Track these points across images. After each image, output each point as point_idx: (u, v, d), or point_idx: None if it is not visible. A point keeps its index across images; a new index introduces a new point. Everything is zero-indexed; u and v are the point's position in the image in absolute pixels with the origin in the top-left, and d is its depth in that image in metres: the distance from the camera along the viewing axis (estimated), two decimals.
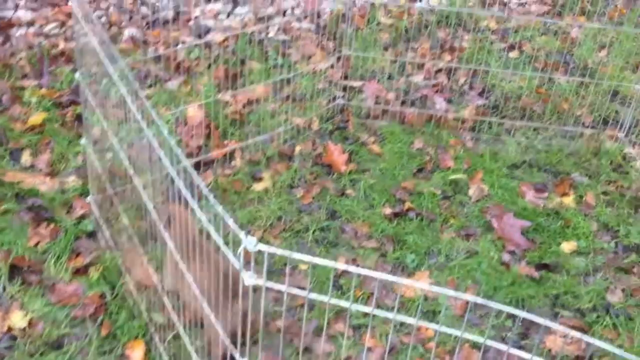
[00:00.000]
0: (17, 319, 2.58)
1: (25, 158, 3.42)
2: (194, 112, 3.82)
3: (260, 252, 1.57)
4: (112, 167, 3.37)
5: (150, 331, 2.55)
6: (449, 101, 4.31)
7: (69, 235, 2.97)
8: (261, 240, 3.11)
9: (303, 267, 3.02)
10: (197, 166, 3.49)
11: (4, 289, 2.70)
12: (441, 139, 4.00)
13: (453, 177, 3.66)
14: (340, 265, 1.59)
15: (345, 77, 4.43)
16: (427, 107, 4.20)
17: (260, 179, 3.52)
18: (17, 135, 3.55)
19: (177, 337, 2.53)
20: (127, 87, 2.44)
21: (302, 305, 2.83)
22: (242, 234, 1.57)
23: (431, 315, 2.86)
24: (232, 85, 4.21)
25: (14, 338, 2.52)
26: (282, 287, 1.60)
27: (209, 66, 4.39)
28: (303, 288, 1.69)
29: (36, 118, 3.68)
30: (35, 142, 3.52)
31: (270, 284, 1.61)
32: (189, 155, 3.55)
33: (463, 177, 3.66)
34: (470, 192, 3.58)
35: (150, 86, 4.11)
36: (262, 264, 1.58)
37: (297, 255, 1.56)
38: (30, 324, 2.58)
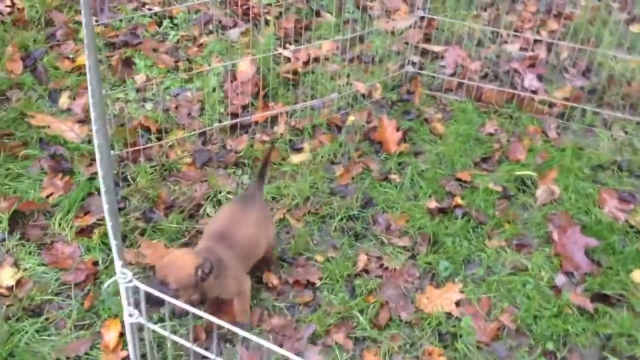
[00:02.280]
0: (7, 276, 2.49)
1: (64, 100, 3.31)
2: (246, 66, 3.54)
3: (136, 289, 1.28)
4: (147, 121, 3.19)
5: None
6: (542, 79, 3.73)
7: (82, 190, 2.83)
8: (282, 221, 2.83)
9: (319, 258, 2.71)
10: (235, 128, 3.23)
11: (3, 240, 2.61)
12: (519, 124, 3.47)
13: (521, 172, 3.16)
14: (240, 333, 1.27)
15: (427, 40, 3.95)
16: (513, 83, 3.66)
17: (299, 150, 3.21)
18: (60, 75, 3.44)
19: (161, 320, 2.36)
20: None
21: (306, 304, 2.55)
22: (118, 265, 1.28)
23: (450, 338, 2.48)
24: (297, 39, 3.87)
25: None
26: (165, 333, 1.31)
27: (280, 14, 4.05)
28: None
29: (84, 58, 3.54)
30: (77, 84, 3.38)
31: (154, 327, 1.31)
32: (231, 115, 3.30)
33: (532, 175, 3.15)
34: (538, 193, 3.08)
35: (210, 33, 3.86)
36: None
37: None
38: (18, 283, 2.48)
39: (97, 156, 1.51)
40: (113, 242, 1.33)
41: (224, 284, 2.26)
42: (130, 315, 1.30)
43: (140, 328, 1.34)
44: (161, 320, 2.35)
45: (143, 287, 1.26)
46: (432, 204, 2.96)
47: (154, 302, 2.09)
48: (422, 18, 3.81)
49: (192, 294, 2.17)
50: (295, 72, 3.60)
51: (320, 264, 2.69)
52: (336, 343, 2.40)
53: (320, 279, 2.63)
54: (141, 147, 3.04)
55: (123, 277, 1.27)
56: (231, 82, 3.48)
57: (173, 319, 2.37)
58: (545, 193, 3.06)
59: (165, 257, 2.16)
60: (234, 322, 2.36)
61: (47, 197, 2.80)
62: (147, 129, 3.17)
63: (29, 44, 3.54)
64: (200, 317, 1.30)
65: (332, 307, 2.52)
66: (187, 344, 1.30)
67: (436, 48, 3.88)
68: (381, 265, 2.70)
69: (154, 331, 1.33)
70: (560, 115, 3.53)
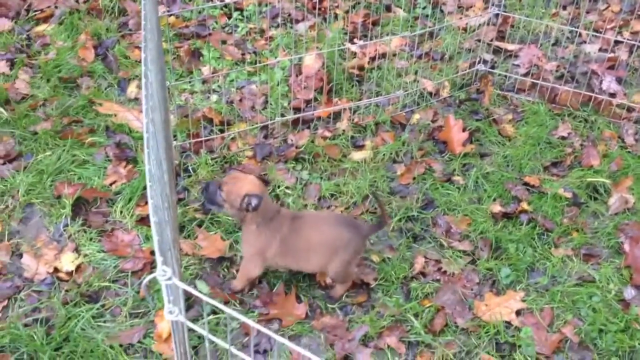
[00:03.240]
0: (67, 261, 2.54)
1: (132, 89, 3.36)
2: (312, 61, 3.50)
3: (175, 287, 1.25)
4: (210, 112, 3.20)
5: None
6: (621, 82, 3.54)
7: (144, 179, 2.86)
8: None
9: (375, 259, 2.65)
10: (298, 123, 3.20)
11: (66, 226, 2.67)
12: (595, 128, 3.30)
13: (593, 179, 2.99)
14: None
15: (501, 38, 3.81)
16: (590, 85, 3.48)
17: (361, 147, 3.15)
18: (130, 64, 3.50)
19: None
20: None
21: (360, 304, 2.49)
22: (159, 262, 1.25)
23: (508, 348, 2.37)
24: (365, 34, 3.81)
25: (56, 281, 2.48)
26: (203, 332, 1.27)
27: (351, 9, 4.00)
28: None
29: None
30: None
31: (192, 325, 1.28)
32: (295, 109, 3.27)
33: (606, 182, 2.98)
34: (610, 201, 2.92)
35: (278, 26, 3.85)
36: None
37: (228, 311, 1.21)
38: (78, 268, 2.53)
39: (145, 150, 1.50)
40: (155, 239, 1.32)
41: (248, 233, 2.35)
42: (170, 313, 1.27)
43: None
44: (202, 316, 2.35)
45: (182, 286, 1.24)
46: (496, 208, 2.84)
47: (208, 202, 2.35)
48: (497, 15, 3.68)
49: (233, 214, 2.36)
50: (361, 68, 3.54)
51: (376, 264, 2.63)
52: (388, 346, 2.34)
53: (375, 279, 2.57)
54: (203, 138, 3.05)
55: (163, 274, 1.24)
56: (296, 76, 3.45)
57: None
58: (619, 202, 2.90)
59: (238, 173, 2.47)
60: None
61: (111, 184, 2.85)
62: (210, 121, 3.19)
63: (101, 33, 3.62)
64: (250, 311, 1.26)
65: (385, 309, 2.46)
66: (225, 345, 1.27)
67: (510, 46, 3.74)
68: (439, 269, 2.62)
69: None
70: (639, 121, 3.33)
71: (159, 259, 1.28)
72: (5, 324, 2.31)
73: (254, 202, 2.26)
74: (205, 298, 1.25)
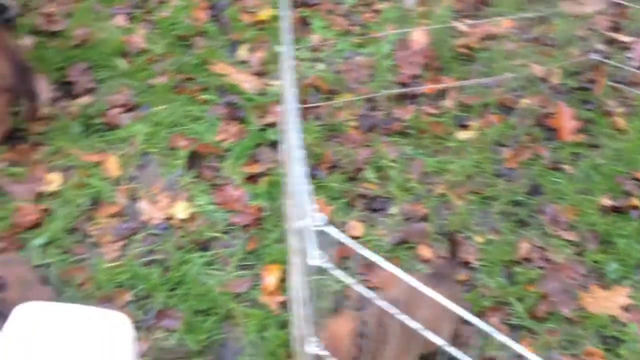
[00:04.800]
0: (180, 209, 2.64)
1: (242, 52, 3.42)
2: (419, 36, 3.49)
3: (323, 233, 1.29)
4: (317, 81, 3.24)
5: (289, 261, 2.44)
6: None
7: (253, 139, 2.93)
8: (442, 196, 2.78)
9: (479, 239, 2.64)
10: (403, 97, 3.20)
11: (179, 176, 2.77)
12: None
13: None
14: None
15: (616, 29, 3.69)
16: None
17: (466, 127, 3.13)
18: (241, 27, 3.56)
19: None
20: None
21: (461, 282, 2.49)
22: (310, 208, 1.29)
23: (614, 342, 2.33)
24: (475, 14, 3.76)
25: (170, 227, 2.58)
26: (350, 280, 1.31)
27: None
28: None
29: (265, 13, 3.65)
30: (255, 38, 3.49)
31: (337, 273, 1.32)
32: (400, 84, 3.27)
33: None
34: None
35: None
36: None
37: (365, 253, 1.25)
38: (190, 217, 2.62)
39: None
40: (304, 188, 1.36)
41: None
42: (316, 259, 1.31)
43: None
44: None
45: (334, 233, 1.28)
46: (606, 201, 2.78)
47: None
48: (614, 4, 3.57)
49: None
50: (469, 48, 3.50)
51: (479, 244, 2.62)
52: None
53: (478, 260, 2.56)
54: (310, 105, 3.09)
55: (315, 221, 1.29)
56: (403, 51, 3.44)
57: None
58: None
59: None
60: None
61: (221, 141, 2.93)
62: (317, 89, 3.22)
63: None
64: None
65: (488, 290, 2.45)
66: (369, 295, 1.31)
67: (625, 38, 3.62)
68: (544, 256, 2.58)
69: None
70: None
71: (309, 207, 1.33)
72: (124, 261, 2.42)
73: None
74: (356, 247, 1.29)
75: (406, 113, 3.14)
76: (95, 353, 1.87)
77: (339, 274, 1.35)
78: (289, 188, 1.95)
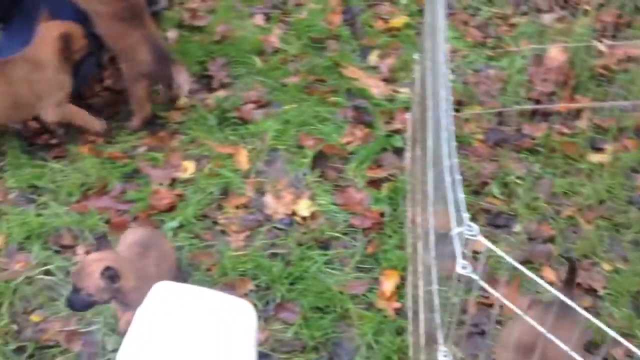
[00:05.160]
0: (303, 207, 2.71)
1: (373, 57, 3.46)
2: (556, 53, 3.39)
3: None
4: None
5: (409, 269, 2.44)
6: None
7: (378, 144, 2.96)
8: (571, 219, 2.69)
9: (606, 267, 2.53)
10: (534, 114, 3.12)
11: (304, 174, 2.84)
12: None
13: None
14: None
15: None
16: None
17: (600, 150, 3.01)
18: (374, 33, 3.60)
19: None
20: None
21: (585, 309, 2.40)
22: (465, 217, 1.29)
23: None
24: (615, 34, 3.61)
25: (293, 223, 2.65)
26: (496, 294, 1.30)
27: (600, 6, 3.81)
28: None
29: (398, 20, 3.68)
30: (387, 45, 3.52)
31: (484, 285, 1.31)
32: (532, 100, 3.20)
33: None
34: None
35: (524, 14, 3.76)
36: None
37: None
38: (312, 215, 2.68)
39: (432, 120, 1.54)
40: (459, 196, 1.36)
41: None
42: (464, 268, 1.32)
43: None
44: None
45: (486, 244, 1.27)
46: None
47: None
48: None
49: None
50: (608, 69, 3.37)
51: (607, 272, 2.51)
52: (615, 359, 2.24)
53: (604, 287, 2.46)
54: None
55: (469, 229, 1.29)
56: (538, 67, 3.36)
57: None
58: None
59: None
60: None
61: (347, 144, 2.98)
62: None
63: (351, 0, 3.76)
64: None
65: (613, 320, 2.35)
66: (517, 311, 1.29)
67: None
68: None
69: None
70: None
71: (464, 215, 1.33)
72: (249, 252, 2.52)
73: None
74: (507, 257, 1.28)
75: (537, 130, 3.07)
76: (220, 336, 1.96)
77: (485, 285, 1.35)
78: (427, 195, 1.96)
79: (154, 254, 2.21)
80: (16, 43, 2.80)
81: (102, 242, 2.14)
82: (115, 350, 2.07)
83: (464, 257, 1.34)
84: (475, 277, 1.33)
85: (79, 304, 2.06)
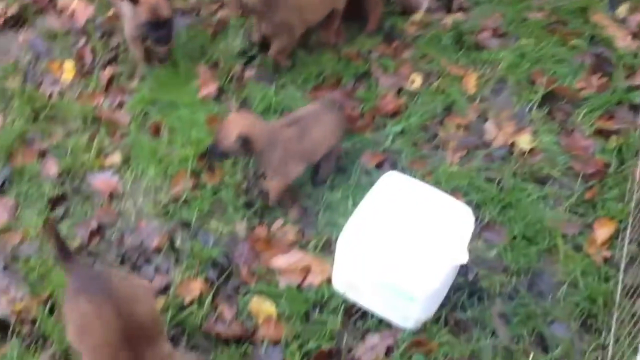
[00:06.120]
0: (524, 141, 2.68)
1: (622, 10, 3.25)
2: None
3: None
4: None
5: (629, 222, 2.36)
6: None
7: (615, 96, 2.83)
8: None
9: None
10: None
11: (531, 110, 2.80)
12: None
13: None
14: None
15: None
16: None
17: None
18: None
19: None
20: None
21: None
22: None
23: None
24: None
25: (510, 154, 2.64)
26: None
27: None
28: None
29: None
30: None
31: None
32: None
33: None
34: None
35: None
36: None
37: None
38: (531, 150, 2.66)
39: None
40: None
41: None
42: None
43: None
44: None
45: None
46: None
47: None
48: None
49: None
50: None
51: None
52: None
53: None
54: None
55: None
56: None
57: None
58: None
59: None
60: None
61: (580, 89, 2.87)
62: None
63: None
64: None
65: None
66: None
67: None
68: None
69: None
70: None
71: None
72: (464, 170, 2.56)
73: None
74: None
75: None
76: (439, 231, 2.04)
77: None
78: None
79: (314, 130, 2.38)
80: None
81: (243, 105, 2.39)
82: None
83: None
84: None
85: (215, 154, 2.34)
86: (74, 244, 2.42)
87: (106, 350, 1.73)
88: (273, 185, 2.43)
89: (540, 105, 2.81)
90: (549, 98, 2.83)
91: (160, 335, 1.82)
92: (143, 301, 1.84)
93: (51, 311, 2.25)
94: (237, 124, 2.27)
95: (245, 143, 2.24)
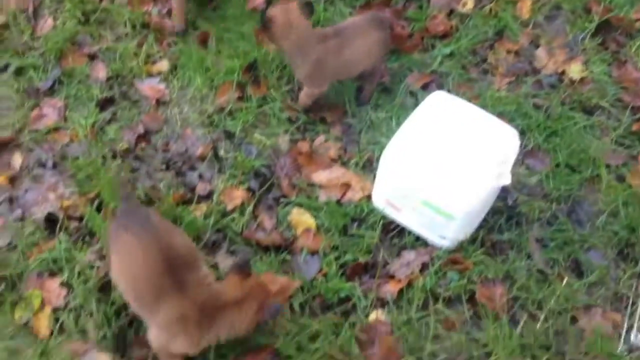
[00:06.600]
0: (575, 70, 2.64)
1: None
2: None
3: None
4: None
5: None
6: None
7: None
8: None
9: None
10: None
11: (584, 39, 2.73)
12: None
13: None
14: None
15: None
16: None
17: None
18: None
19: None
20: None
21: None
22: None
23: None
24: None
25: (559, 82, 2.61)
26: None
27: None
28: None
29: None
30: None
31: None
32: None
33: None
34: None
35: None
36: None
37: None
38: (581, 79, 2.61)
39: None
40: None
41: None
42: None
43: None
44: None
45: None
46: None
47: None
48: None
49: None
50: None
51: None
52: None
53: None
54: None
55: None
56: None
57: None
58: None
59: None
60: None
61: (637, 20, 2.79)
62: None
63: None
64: None
65: None
66: None
67: None
68: None
69: None
70: None
71: None
72: (511, 95, 2.54)
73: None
74: None
75: None
76: (483, 152, 2.04)
77: None
78: None
79: (354, 45, 2.36)
80: None
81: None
82: None
83: None
84: None
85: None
86: (121, 147, 2.47)
87: (149, 278, 1.83)
88: (303, 93, 2.46)
89: (594, 35, 2.74)
90: (604, 27, 2.76)
91: (197, 261, 1.92)
92: (180, 234, 1.96)
93: (98, 209, 2.32)
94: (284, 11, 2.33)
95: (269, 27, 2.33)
